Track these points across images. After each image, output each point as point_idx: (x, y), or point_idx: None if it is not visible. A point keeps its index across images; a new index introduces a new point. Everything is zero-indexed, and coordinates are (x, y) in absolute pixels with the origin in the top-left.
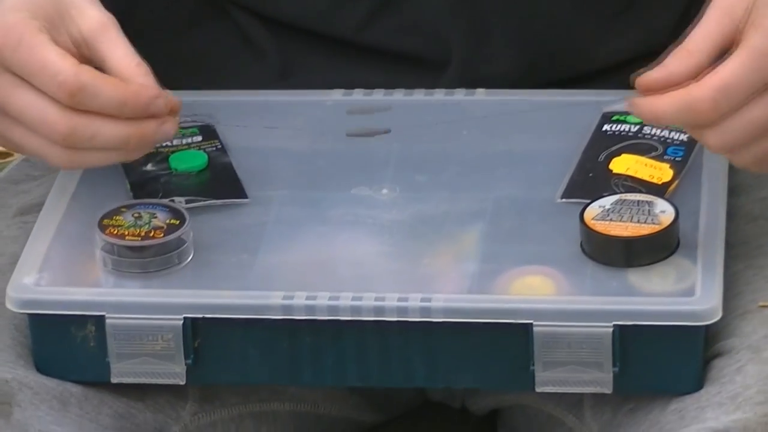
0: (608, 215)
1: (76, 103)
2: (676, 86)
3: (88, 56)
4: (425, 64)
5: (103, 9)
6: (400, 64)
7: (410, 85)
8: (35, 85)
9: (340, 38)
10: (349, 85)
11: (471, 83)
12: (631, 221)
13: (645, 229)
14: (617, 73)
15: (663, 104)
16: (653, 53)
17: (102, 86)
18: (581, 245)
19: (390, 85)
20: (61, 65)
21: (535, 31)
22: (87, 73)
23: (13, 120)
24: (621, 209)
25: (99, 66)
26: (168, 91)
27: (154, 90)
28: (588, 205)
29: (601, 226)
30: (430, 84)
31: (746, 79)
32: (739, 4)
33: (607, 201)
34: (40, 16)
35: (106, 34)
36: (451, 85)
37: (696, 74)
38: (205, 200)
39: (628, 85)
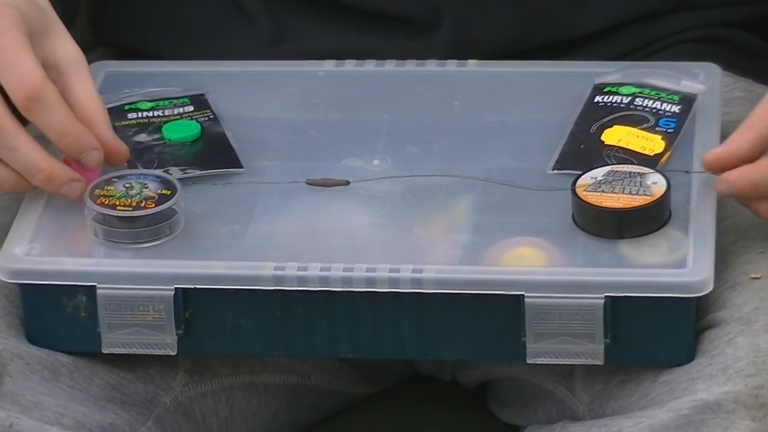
0: (600, 186)
1: (26, 108)
2: (740, 161)
3: (52, 80)
4: (417, 25)
5: (78, 47)
6: (391, 26)
7: (402, 47)
8: None
9: (331, 2)
10: (340, 49)
11: (463, 45)
12: (622, 193)
13: (637, 201)
14: (609, 38)
15: (762, 171)
16: (645, 17)
17: (58, 107)
18: (573, 216)
19: (381, 47)
20: (33, 70)
21: None
22: (51, 89)
23: None
24: (613, 181)
25: (61, 94)
26: (120, 143)
27: (96, 143)
28: (580, 176)
29: (592, 198)
30: (422, 46)
31: None
32: None
33: (599, 172)
34: (28, 24)
35: (79, 68)
36: (443, 47)
37: (758, 147)
38: (201, 171)
39: (620, 54)
